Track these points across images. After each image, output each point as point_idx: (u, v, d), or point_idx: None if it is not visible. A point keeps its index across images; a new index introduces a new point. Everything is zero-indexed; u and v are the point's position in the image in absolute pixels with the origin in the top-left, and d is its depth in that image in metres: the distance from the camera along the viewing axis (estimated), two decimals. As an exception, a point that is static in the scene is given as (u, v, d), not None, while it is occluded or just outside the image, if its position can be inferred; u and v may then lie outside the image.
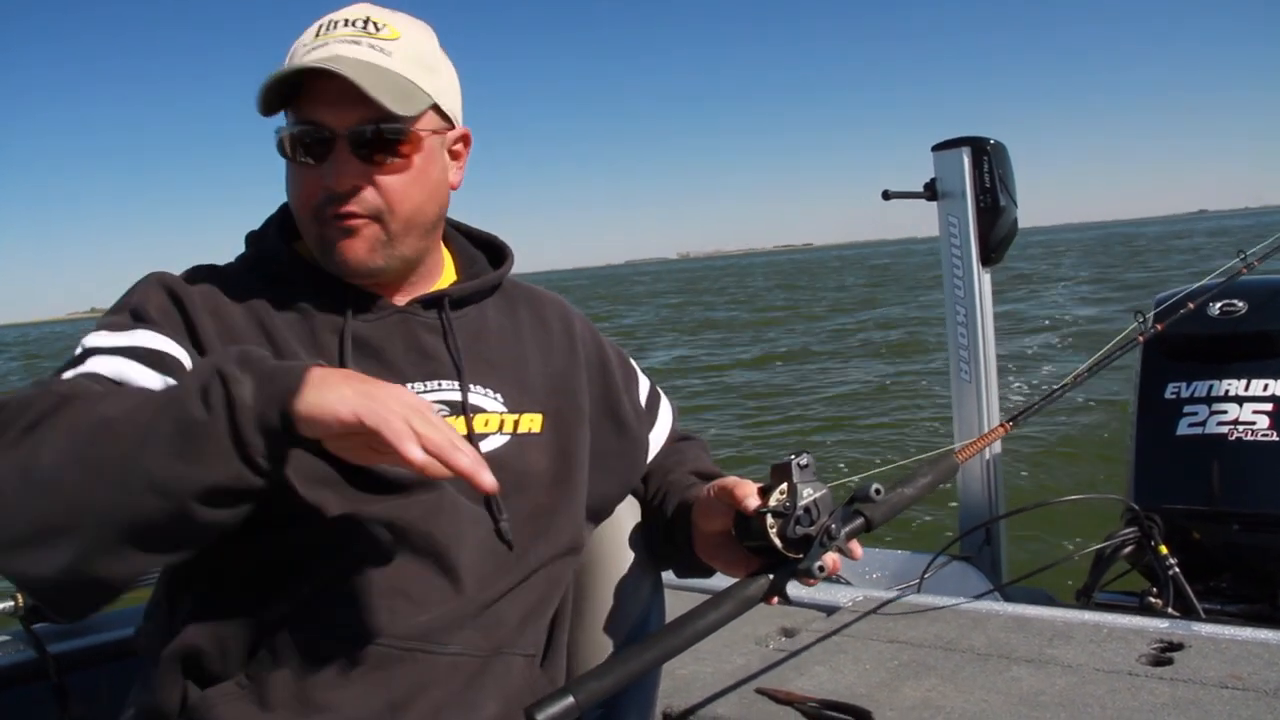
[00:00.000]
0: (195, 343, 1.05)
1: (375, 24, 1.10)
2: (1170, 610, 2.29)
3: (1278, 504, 2.44)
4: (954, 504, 3.06)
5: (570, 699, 0.95)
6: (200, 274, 1.13)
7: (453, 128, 1.16)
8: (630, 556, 1.29)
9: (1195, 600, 2.31)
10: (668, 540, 1.27)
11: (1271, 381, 2.55)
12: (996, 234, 2.81)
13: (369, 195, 1.07)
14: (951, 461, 1.39)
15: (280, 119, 1.10)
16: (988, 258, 2.83)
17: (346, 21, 1.09)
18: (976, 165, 2.78)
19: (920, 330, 16.69)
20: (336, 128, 1.05)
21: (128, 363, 0.99)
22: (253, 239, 1.19)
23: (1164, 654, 1.66)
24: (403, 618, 1.01)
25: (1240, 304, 2.67)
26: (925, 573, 2.27)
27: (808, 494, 1.07)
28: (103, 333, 1.03)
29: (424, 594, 1.03)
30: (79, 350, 1.02)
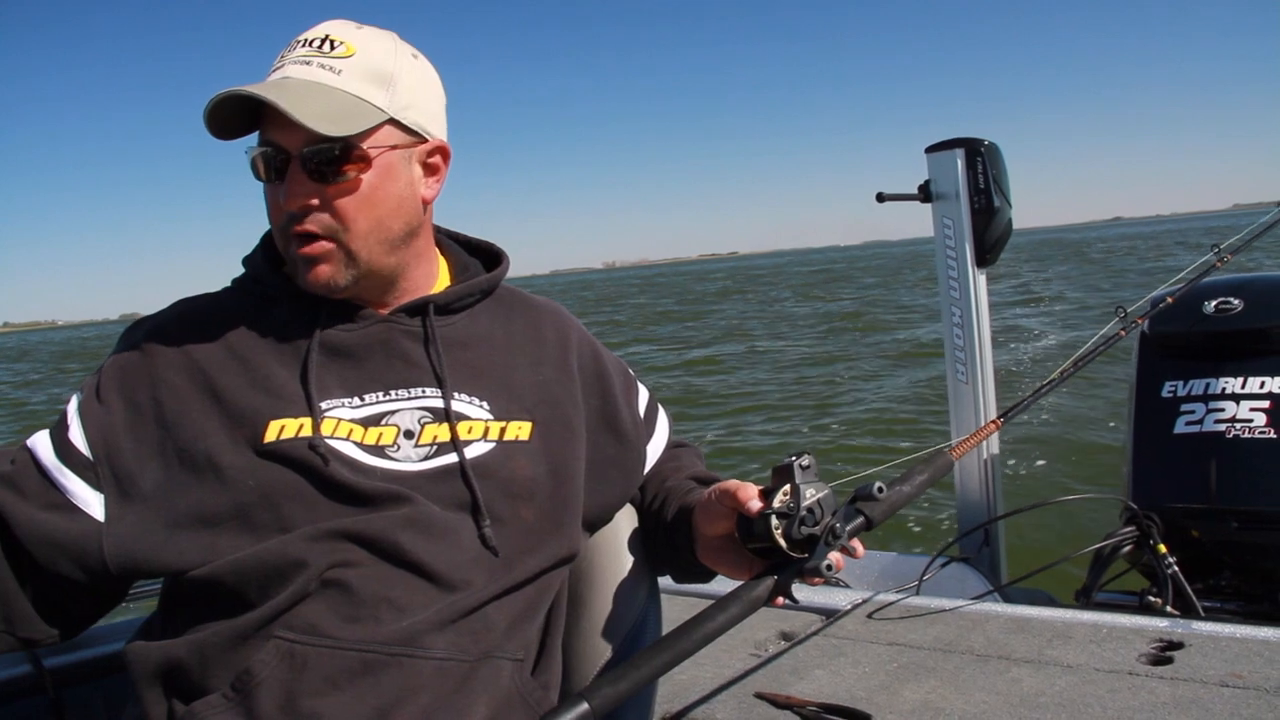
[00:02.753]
0: (156, 395, 1.08)
1: (332, 42, 1.10)
2: (1170, 609, 2.29)
3: (1276, 501, 2.43)
4: (951, 508, 3.05)
5: (585, 705, 0.95)
6: (175, 311, 1.17)
7: (422, 141, 1.15)
8: (627, 562, 1.29)
9: (1195, 599, 2.31)
10: (668, 545, 1.26)
11: (1268, 379, 2.55)
12: (991, 235, 2.81)
13: (323, 215, 1.08)
14: (946, 459, 1.39)
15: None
16: (983, 259, 2.84)
17: (306, 42, 1.10)
18: (970, 166, 2.79)
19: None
20: (290, 148, 1.06)
21: (47, 441, 1.08)
22: (245, 261, 1.20)
23: (1164, 653, 1.66)
24: (386, 622, 1.01)
25: (1236, 301, 2.67)
26: (924, 574, 2.26)
27: (810, 494, 1.07)
28: (74, 399, 1.11)
29: (406, 598, 1.02)
30: (63, 411, 1.11)
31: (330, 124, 1.04)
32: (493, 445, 1.14)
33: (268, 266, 1.17)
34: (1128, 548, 2.48)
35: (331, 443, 1.06)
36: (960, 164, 2.79)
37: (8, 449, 1.10)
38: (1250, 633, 1.69)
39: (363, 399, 1.10)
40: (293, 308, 1.14)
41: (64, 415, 1.10)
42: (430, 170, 1.17)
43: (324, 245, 1.09)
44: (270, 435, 1.05)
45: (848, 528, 1.09)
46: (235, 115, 1.07)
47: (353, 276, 1.11)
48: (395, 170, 1.12)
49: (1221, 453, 2.52)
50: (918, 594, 2.14)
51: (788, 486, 1.07)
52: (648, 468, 1.33)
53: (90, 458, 1.06)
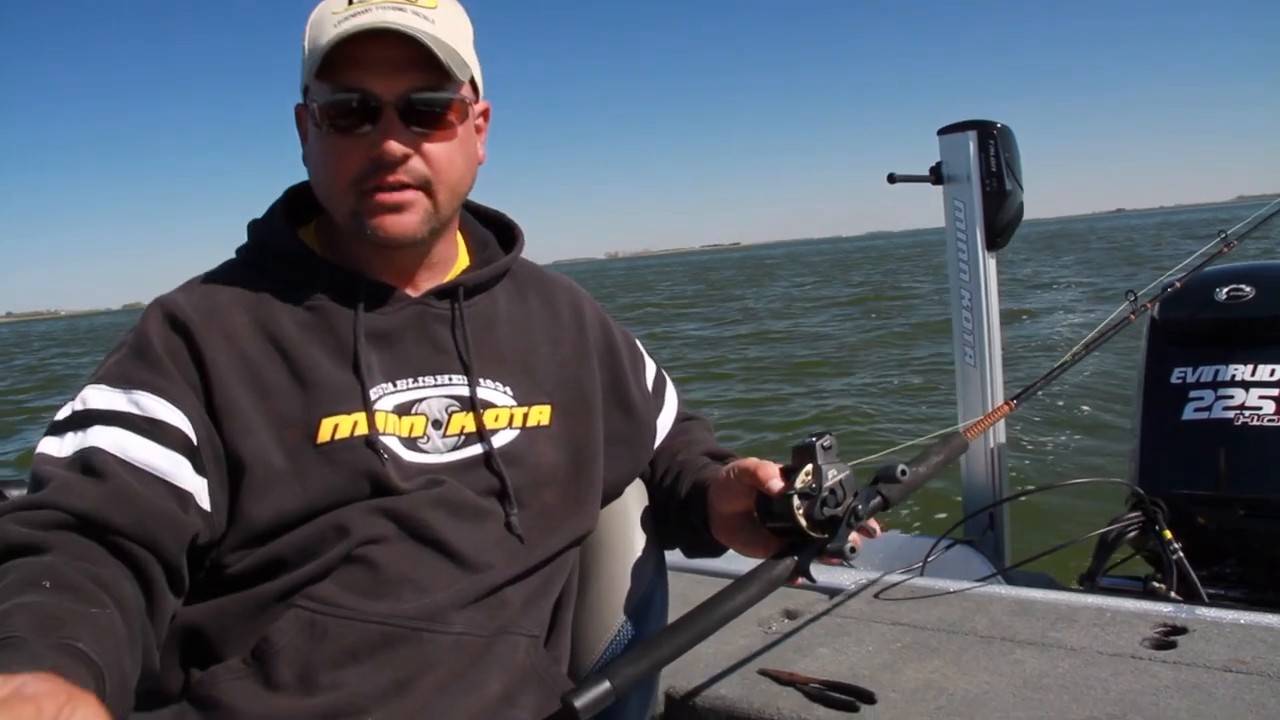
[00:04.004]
0: (205, 381, 1.01)
1: None
2: (1174, 595, 2.29)
3: (1283, 489, 2.43)
4: (957, 496, 3.06)
5: (607, 684, 0.95)
6: (202, 291, 1.09)
7: (477, 100, 1.14)
8: (634, 537, 1.29)
9: (1199, 585, 2.31)
10: (681, 520, 1.26)
11: (1278, 367, 2.54)
12: (1002, 218, 2.80)
13: (416, 164, 1.05)
14: (961, 440, 1.39)
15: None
16: (993, 242, 2.82)
17: None
18: (983, 149, 2.77)
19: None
20: (384, 95, 1.03)
21: (128, 435, 0.97)
22: (257, 228, 1.15)
23: (1167, 638, 1.66)
24: (407, 600, 1.01)
25: (1247, 289, 2.66)
26: (929, 556, 2.27)
27: (832, 475, 1.07)
28: (103, 388, 1.01)
29: (429, 578, 1.03)
30: (80, 406, 1.00)
31: (457, 70, 1.04)
32: (517, 433, 1.14)
33: (293, 239, 1.13)
34: (1133, 533, 2.48)
35: (382, 439, 1.05)
36: (973, 146, 2.77)
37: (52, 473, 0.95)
38: (1254, 619, 1.69)
39: (395, 384, 1.09)
40: (328, 287, 1.10)
41: (127, 408, 0.98)
42: (477, 130, 1.16)
43: (414, 194, 1.06)
44: (324, 434, 1.02)
45: (867, 508, 1.09)
46: (329, 54, 1.02)
47: (431, 230, 1.09)
48: (471, 126, 1.12)
49: (1230, 440, 2.51)
50: (922, 575, 2.14)
51: (810, 467, 1.07)
52: (658, 441, 1.33)
53: (194, 441, 0.99)
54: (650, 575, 1.29)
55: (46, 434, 1.01)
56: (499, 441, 1.12)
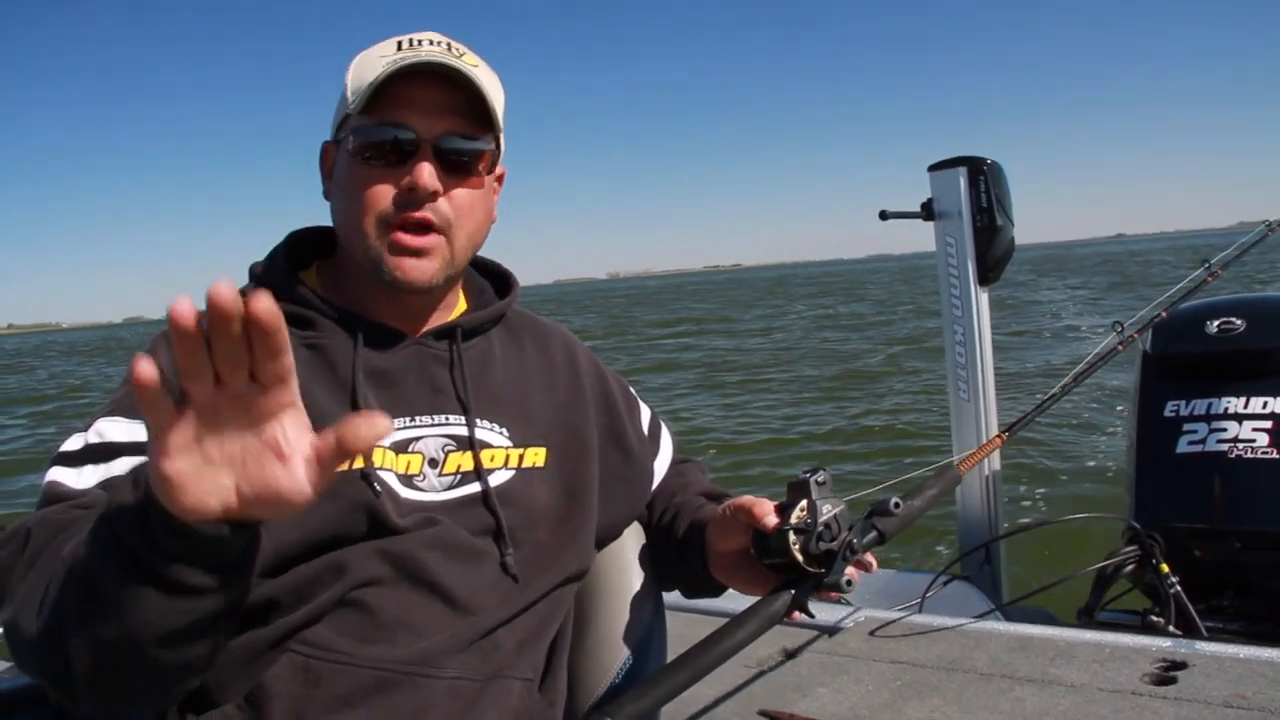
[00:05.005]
0: None
1: (455, 48, 1.10)
2: (1173, 629, 2.28)
3: (1279, 521, 2.43)
4: (951, 529, 3.05)
5: None
6: None
7: (499, 160, 1.16)
8: (632, 579, 1.29)
9: (1198, 619, 2.30)
10: (679, 560, 1.26)
11: (1271, 399, 2.55)
12: (994, 253, 2.82)
13: (443, 205, 1.07)
14: (954, 473, 1.40)
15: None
16: (985, 277, 2.85)
17: (433, 41, 1.10)
18: (973, 185, 2.80)
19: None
20: (423, 133, 1.05)
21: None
22: (260, 272, 1.15)
23: (1167, 673, 1.65)
24: (401, 644, 1.00)
25: (1239, 321, 2.68)
26: (926, 593, 2.26)
27: (827, 510, 1.07)
28: (119, 420, 0.99)
29: (423, 622, 1.02)
30: (95, 439, 0.98)
31: (495, 120, 1.07)
32: (513, 473, 1.14)
33: (294, 279, 1.13)
34: (1130, 567, 2.47)
35: (379, 472, 1.05)
36: (963, 182, 2.81)
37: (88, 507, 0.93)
38: (1254, 653, 1.69)
39: (392, 423, 1.08)
40: (328, 327, 1.10)
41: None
42: (494, 192, 1.18)
43: (435, 239, 1.07)
44: None
45: (863, 542, 1.09)
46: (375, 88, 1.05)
47: (445, 278, 1.10)
48: (492, 182, 1.15)
49: (1224, 473, 2.52)
50: (920, 612, 2.13)
51: (804, 502, 1.08)
52: (655, 483, 1.34)
53: None
54: (649, 617, 1.29)
55: (56, 464, 0.99)
56: (495, 481, 1.12)
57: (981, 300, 2.85)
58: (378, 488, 1.03)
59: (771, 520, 1.09)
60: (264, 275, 1.15)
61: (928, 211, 2.90)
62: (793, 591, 1.08)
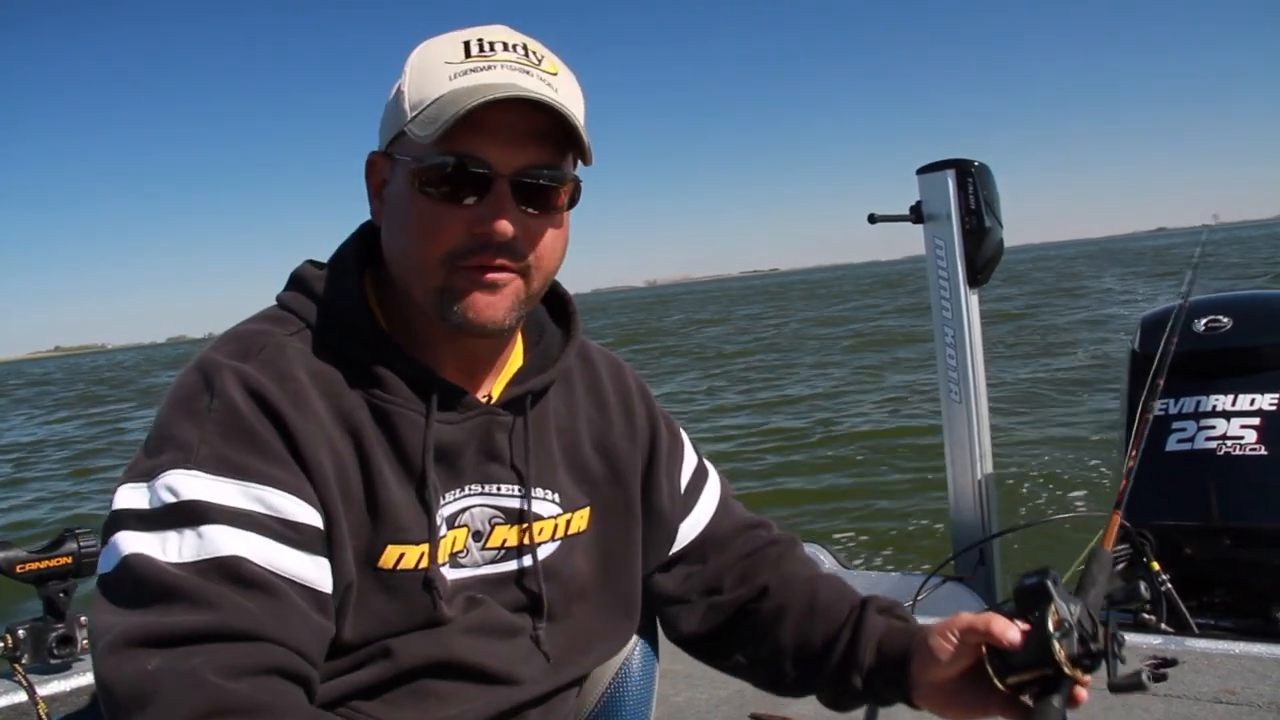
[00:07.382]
0: (309, 473, 0.90)
1: (534, 53, 0.96)
2: (1164, 626, 2.29)
3: (1268, 518, 2.45)
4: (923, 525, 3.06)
5: None
6: (276, 366, 0.93)
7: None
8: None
9: (1188, 616, 2.32)
10: (850, 688, 1.13)
11: (1258, 396, 2.57)
12: (983, 255, 2.83)
13: (520, 245, 0.94)
14: (1106, 555, 1.24)
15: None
16: (974, 279, 2.85)
17: (505, 45, 0.95)
18: (961, 187, 2.81)
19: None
20: (500, 167, 0.92)
21: (266, 542, 0.86)
22: (326, 286, 1.00)
23: (1158, 670, 1.66)
24: (431, 711, 0.98)
25: (1225, 319, 2.70)
26: (919, 594, 2.27)
27: (1075, 609, 0.97)
28: (203, 476, 0.86)
29: (453, 692, 0.99)
30: (173, 498, 0.85)
31: (588, 151, 0.94)
32: (557, 544, 1.07)
33: (366, 315, 0.99)
34: (1121, 565, 2.49)
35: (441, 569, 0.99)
36: (951, 184, 2.81)
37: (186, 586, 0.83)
38: (1243, 649, 1.70)
39: (446, 496, 1.00)
40: (397, 383, 0.97)
41: (252, 506, 0.86)
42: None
43: (511, 277, 0.95)
44: (388, 561, 0.95)
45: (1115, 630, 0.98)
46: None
47: (516, 318, 0.98)
48: (569, 214, 1.02)
49: (1214, 470, 2.53)
50: (913, 613, 2.14)
51: (1052, 607, 0.96)
52: (676, 546, 1.20)
53: (329, 534, 0.91)
54: (644, 677, 1.22)
55: (126, 525, 0.86)
56: (542, 554, 1.05)
57: (971, 302, 2.86)
58: (439, 593, 0.97)
59: (1013, 635, 0.96)
60: (339, 309, 1.00)
61: (917, 214, 2.91)
62: (1055, 697, 0.94)
